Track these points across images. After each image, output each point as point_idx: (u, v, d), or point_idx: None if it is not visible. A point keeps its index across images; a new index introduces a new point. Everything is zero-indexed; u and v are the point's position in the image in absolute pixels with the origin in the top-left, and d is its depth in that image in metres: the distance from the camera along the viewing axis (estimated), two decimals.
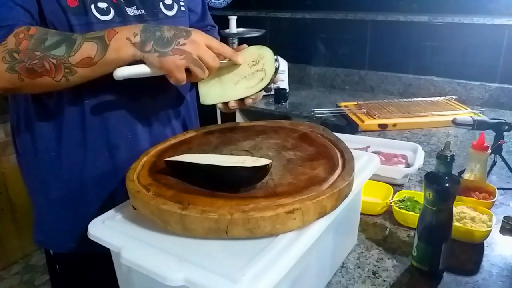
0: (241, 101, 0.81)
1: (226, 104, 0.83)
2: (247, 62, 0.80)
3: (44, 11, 0.73)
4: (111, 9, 0.78)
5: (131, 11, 0.81)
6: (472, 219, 0.85)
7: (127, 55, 0.70)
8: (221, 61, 0.77)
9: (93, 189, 0.84)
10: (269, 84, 0.78)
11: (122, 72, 0.71)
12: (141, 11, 0.82)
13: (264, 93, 0.83)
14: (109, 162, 0.83)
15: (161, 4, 0.86)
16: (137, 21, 0.81)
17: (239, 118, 2.17)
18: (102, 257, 0.66)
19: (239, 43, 2.21)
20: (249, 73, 0.80)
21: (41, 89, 0.74)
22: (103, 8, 0.77)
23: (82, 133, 0.81)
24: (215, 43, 0.74)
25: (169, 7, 0.87)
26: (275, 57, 0.78)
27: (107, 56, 0.69)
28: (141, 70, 0.72)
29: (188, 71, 0.73)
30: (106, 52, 0.69)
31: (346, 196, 0.63)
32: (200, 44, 0.72)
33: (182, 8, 0.90)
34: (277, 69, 0.78)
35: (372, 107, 1.71)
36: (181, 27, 0.73)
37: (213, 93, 0.83)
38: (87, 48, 0.68)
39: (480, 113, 1.64)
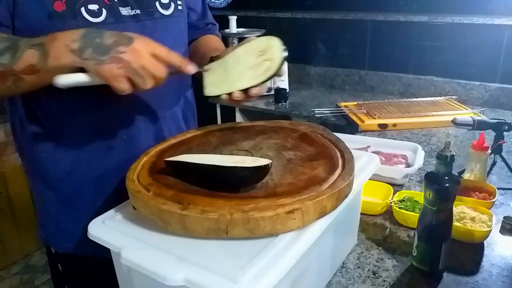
0: (245, 93, 0.78)
1: (230, 95, 0.79)
2: (254, 52, 0.79)
3: (28, 17, 0.72)
4: (103, 10, 0.76)
5: (125, 11, 0.80)
6: (472, 219, 0.85)
7: (67, 63, 0.67)
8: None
9: (90, 190, 0.84)
10: (275, 74, 0.76)
11: (61, 80, 0.68)
12: (135, 11, 0.81)
13: (267, 87, 0.82)
14: (106, 163, 0.83)
15: (157, 3, 0.85)
16: (132, 21, 0.80)
17: (239, 118, 2.17)
18: (103, 256, 0.66)
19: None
20: (255, 63, 0.78)
21: None
22: (94, 10, 0.75)
23: (76, 134, 0.80)
24: (161, 51, 0.70)
25: (166, 6, 0.87)
26: (283, 47, 0.77)
27: (48, 64, 0.67)
28: (81, 78, 0.68)
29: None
30: (47, 60, 0.67)
31: (346, 196, 0.63)
32: (142, 52, 0.67)
33: (179, 7, 0.90)
34: (284, 58, 0.76)
35: (372, 107, 1.71)
36: (125, 34, 0.68)
37: (218, 83, 0.80)
38: (29, 56, 0.67)
39: (480, 113, 1.64)
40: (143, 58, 0.67)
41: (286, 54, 0.76)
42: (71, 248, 0.86)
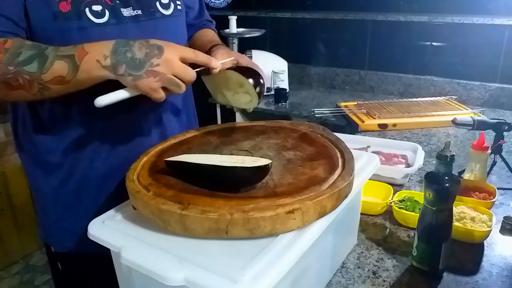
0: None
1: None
2: (234, 83, 0.82)
3: (34, 18, 0.72)
4: (106, 11, 0.77)
5: (127, 12, 0.80)
6: (472, 219, 0.85)
7: (98, 77, 0.69)
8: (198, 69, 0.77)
9: (92, 189, 0.84)
10: (259, 101, 0.81)
11: (102, 101, 0.69)
12: (137, 12, 0.81)
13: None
14: (108, 163, 0.83)
15: (157, 3, 0.86)
16: (133, 22, 0.80)
17: (239, 118, 2.17)
18: (103, 256, 0.66)
19: (239, 43, 2.21)
20: (241, 92, 0.83)
21: (20, 99, 0.74)
22: (98, 11, 0.76)
23: (80, 135, 0.81)
24: (189, 53, 0.73)
25: (166, 6, 0.87)
26: (254, 84, 0.79)
27: (78, 76, 0.68)
28: (120, 95, 0.71)
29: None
30: (77, 73, 0.68)
31: (346, 196, 0.63)
32: (174, 61, 0.70)
33: (179, 7, 0.90)
34: (260, 93, 0.79)
35: (372, 107, 1.71)
36: (152, 43, 0.70)
37: (219, 94, 0.88)
38: (58, 67, 0.68)
39: (480, 113, 1.64)
40: (175, 66, 0.70)
41: (259, 89, 0.79)
42: (72, 247, 0.86)
